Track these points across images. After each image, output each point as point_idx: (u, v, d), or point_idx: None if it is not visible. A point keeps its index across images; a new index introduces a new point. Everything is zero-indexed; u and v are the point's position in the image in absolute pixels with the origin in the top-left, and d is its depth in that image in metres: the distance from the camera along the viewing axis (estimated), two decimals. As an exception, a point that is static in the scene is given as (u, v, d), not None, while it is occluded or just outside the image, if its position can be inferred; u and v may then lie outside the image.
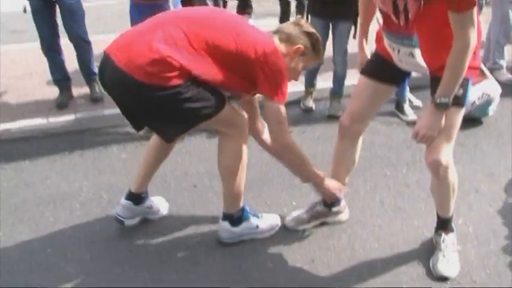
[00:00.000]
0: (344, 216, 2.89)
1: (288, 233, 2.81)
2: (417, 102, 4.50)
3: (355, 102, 2.57)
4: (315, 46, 2.54)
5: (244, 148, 2.56)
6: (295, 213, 2.88)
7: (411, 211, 3.02)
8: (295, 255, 2.66)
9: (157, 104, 2.26)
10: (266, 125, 2.65)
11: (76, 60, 4.40)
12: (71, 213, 3.02)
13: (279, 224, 2.84)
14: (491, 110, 4.10)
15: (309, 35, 2.50)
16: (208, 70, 2.27)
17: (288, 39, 2.47)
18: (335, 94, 4.37)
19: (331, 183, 2.69)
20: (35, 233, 2.85)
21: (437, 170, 2.30)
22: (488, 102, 4.03)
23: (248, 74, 2.35)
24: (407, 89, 4.36)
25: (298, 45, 2.47)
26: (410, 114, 4.24)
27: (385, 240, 2.77)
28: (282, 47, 2.45)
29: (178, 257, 2.66)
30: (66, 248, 2.73)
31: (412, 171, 3.45)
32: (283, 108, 2.41)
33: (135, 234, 2.82)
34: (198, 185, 3.30)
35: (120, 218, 2.81)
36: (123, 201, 2.80)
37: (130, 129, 3.98)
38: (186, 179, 3.38)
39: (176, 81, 2.20)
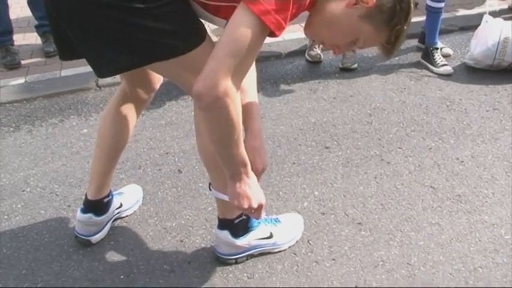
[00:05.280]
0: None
1: (315, 242, 2.01)
2: (447, 50, 3.66)
3: None
4: (395, 15, 1.35)
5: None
6: None
7: (475, 200, 2.22)
8: (329, 279, 1.86)
9: (106, 11, 1.37)
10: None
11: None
12: (9, 219, 2.17)
13: (302, 229, 2.03)
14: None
15: None
16: None
17: None
18: (348, 42, 3.49)
19: (254, 188, 1.54)
20: (-44, 251, 2.02)
21: None
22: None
23: None
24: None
25: None
26: (441, 64, 3.41)
27: (451, 247, 1.97)
28: None
29: (155, 281, 1.85)
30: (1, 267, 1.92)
31: (462, 141, 2.64)
32: (259, 36, 1.29)
33: (99, 247, 2.00)
34: (184, 170, 2.46)
35: (83, 237, 1.99)
36: (80, 216, 1.96)
37: (94, 94, 3.20)
38: (167, 161, 2.53)
39: None
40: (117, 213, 2.10)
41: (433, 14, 3.42)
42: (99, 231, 2.01)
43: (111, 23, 1.38)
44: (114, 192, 2.08)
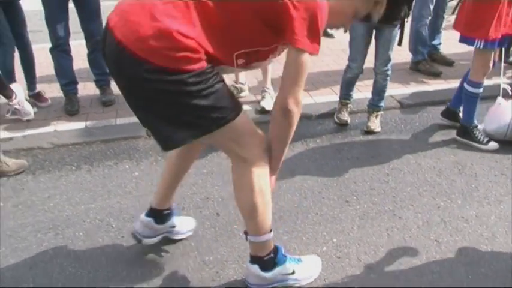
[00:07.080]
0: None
1: (330, 280, 2.34)
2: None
3: None
4: None
5: (264, 177, 2.05)
6: None
7: (474, 255, 2.52)
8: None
9: (164, 96, 1.78)
10: None
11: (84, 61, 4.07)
12: (73, 244, 2.58)
13: (320, 269, 2.37)
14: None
15: None
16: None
17: None
18: (374, 107, 3.88)
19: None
20: (29, 267, 2.42)
21: None
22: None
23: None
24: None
25: None
26: (486, 141, 3.57)
27: (449, 293, 2.28)
28: None
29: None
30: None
31: (469, 202, 2.96)
32: (308, 61, 1.85)
33: (147, 273, 2.37)
34: (222, 213, 2.84)
35: (138, 235, 2.43)
36: (143, 217, 2.41)
37: (144, 142, 3.64)
38: (207, 205, 2.92)
39: (191, 65, 1.75)
40: (170, 231, 2.50)
41: (470, 98, 3.53)
42: (152, 237, 2.44)
43: (168, 105, 1.80)
44: (175, 211, 2.50)
